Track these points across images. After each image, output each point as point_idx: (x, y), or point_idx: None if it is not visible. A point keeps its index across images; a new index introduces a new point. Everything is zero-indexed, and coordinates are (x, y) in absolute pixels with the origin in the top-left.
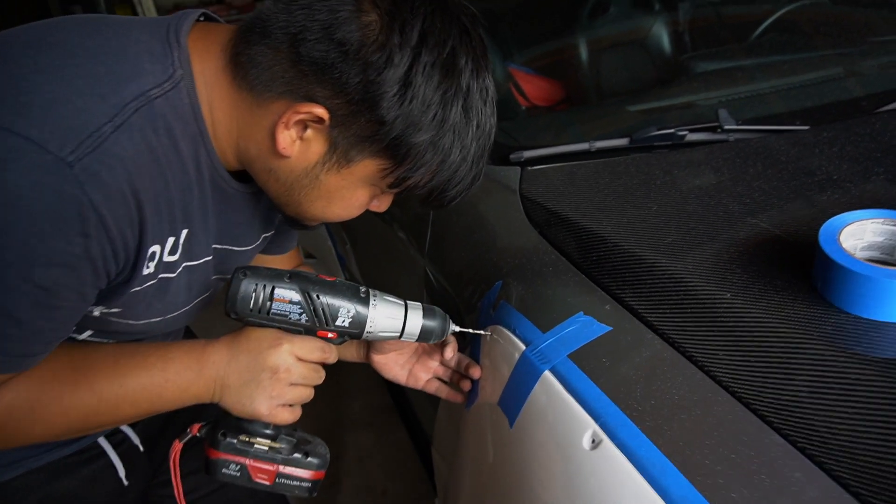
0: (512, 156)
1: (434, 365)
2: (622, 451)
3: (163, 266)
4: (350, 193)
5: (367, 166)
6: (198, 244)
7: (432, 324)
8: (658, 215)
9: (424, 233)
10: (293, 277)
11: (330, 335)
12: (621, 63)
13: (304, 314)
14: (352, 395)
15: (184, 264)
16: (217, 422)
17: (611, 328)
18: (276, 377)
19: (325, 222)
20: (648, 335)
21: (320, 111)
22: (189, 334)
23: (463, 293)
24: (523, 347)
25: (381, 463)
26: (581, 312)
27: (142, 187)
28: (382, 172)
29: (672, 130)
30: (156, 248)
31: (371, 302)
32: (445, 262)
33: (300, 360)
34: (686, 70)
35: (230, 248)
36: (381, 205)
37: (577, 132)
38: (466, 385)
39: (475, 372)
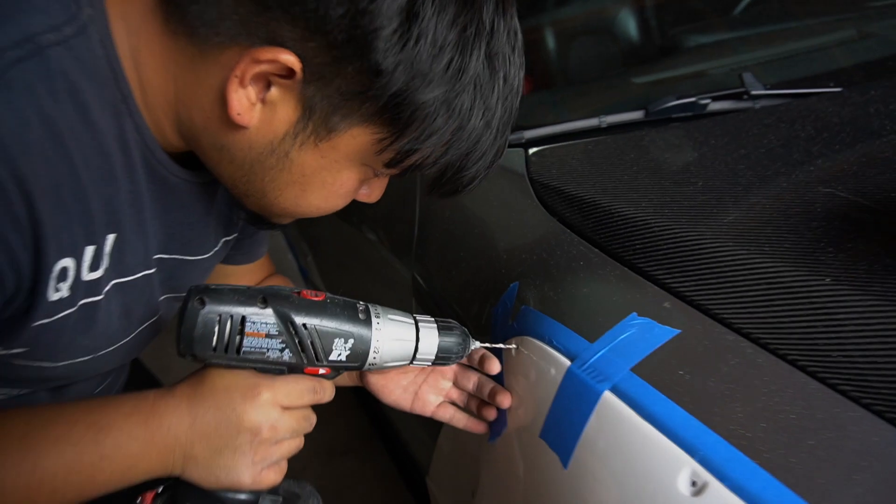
0: (510, 137)
1: (446, 386)
2: (741, 496)
3: (82, 287)
4: (332, 176)
5: (356, 138)
6: (132, 254)
7: (450, 341)
8: (707, 192)
9: (408, 232)
10: (269, 300)
11: (322, 371)
12: (620, 33)
13: (288, 349)
14: (325, 418)
15: (113, 282)
16: (177, 487)
17: (679, 331)
18: (258, 439)
19: (296, 218)
20: (730, 336)
21: (289, 59)
22: (137, 371)
23: (466, 301)
24: (567, 362)
25: (365, 494)
26: (634, 314)
27: (30, 174)
28: (377, 145)
29: (693, 99)
30: (67, 262)
31: (374, 323)
32: (440, 266)
33: (286, 409)
34: (684, 41)
35: (180, 257)
36: (373, 192)
37: (579, 108)
38: (491, 414)
39: (504, 401)
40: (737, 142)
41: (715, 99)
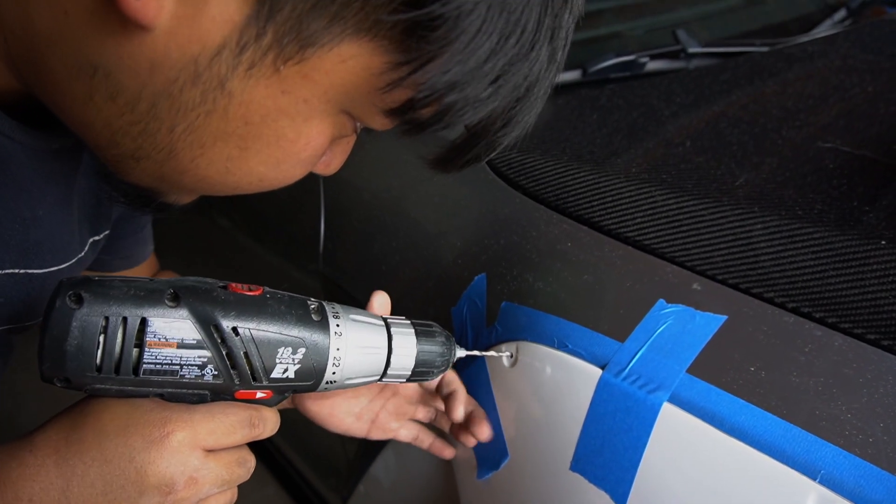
0: None
1: (411, 411)
2: None
3: None
4: (294, 128)
5: (346, 62)
6: None
7: (432, 350)
8: (701, 153)
9: (309, 225)
10: (182, 295)
11: (261, 394)
12: None
13: (210, 366)
14: None
15: None
16: None
17: (725, 317)
18: (170, 500)
19: (211, 194)
20: (788, 319)
21: None
22: None
23: (407, 302)
24: (597, 370)
25: None
26: (662, 301)
27: None
28: (383, 77)
29: (633, 57)
30: None
31: (332, 326)
32: (362, 264)
33: (211, 453)
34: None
35: (21, 271)
36: (334, 159)
37: None
38: (470, 441)
39: (482, 432)
40: (706, 100)
41: (653, 57)
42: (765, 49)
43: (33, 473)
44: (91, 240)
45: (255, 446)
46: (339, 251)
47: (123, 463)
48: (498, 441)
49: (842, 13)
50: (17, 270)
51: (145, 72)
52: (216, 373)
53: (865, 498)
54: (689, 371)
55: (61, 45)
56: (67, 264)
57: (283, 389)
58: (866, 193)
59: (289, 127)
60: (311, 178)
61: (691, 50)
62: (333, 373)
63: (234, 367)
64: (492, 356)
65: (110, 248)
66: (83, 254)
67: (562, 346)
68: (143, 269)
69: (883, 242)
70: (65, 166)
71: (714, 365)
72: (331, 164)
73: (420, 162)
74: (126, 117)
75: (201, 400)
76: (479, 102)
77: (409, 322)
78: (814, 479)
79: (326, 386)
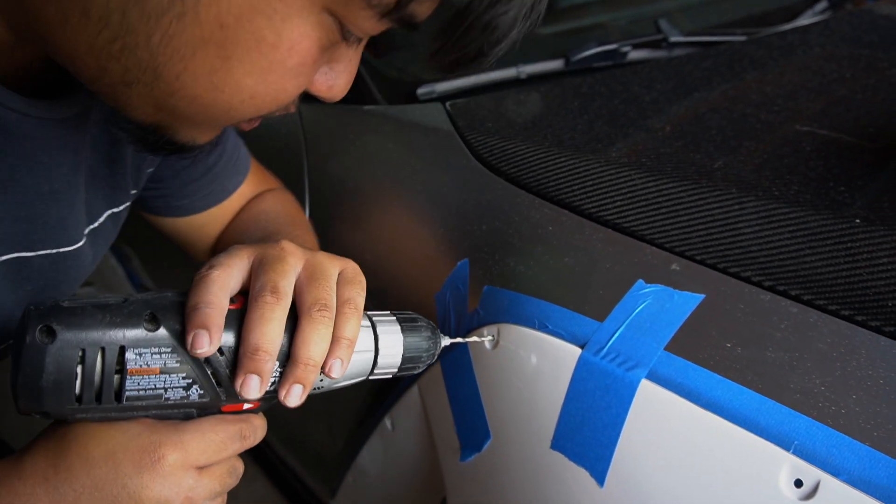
0: (420, 91)
1: None
2: (870, 492)
3: None
4: (274, 29)
5: None
6: None
7: (418, 342)
8: (680, 137)
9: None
10: (161, 316)
11: (248, 406)
12: None
13: (196, 385)
14: None
15: None
16: None
17: (703, 296)
18: None
19: (219, 126)
20: (765, 297)
21: None
22: None
23: (391, 290)
24: (576, 350)
25: None
26: (640, 281)
27: None
28: None
29: (615, 47)
30: None
31: None
32: (344, 251)
33: (203, 469)
34: None
35: (40, 252)
36: (338, 78)
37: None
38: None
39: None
40: (687, 87)
41: (635, 47)
42: (745, 38)
43: (24, 502)
44: (109, 212)
45: None
46: (324, 241)
47: (116, 489)
48: (480, 423)
49: (823, 4)
50: (49, 251)
51: None
52: (202, 392)
53: (837, 466)
54: (667, 349)
55: None
56: (80, 244)
57: (270, 399)
58: (842, 175)
59: (267, 28)
60: (294, 166)
61: (673, 39)
62: (321, 380)
63: (219, 384)
64: (475, 341)
65: (183, 193)
66: (96, 225)
67: (542, 328)
68: (238, 199)
69: (857, 221)
70: (73, 136)
71: (692, 342)
72: (334, 85)
73: (398, 156)
74: (103, 34)
75: (188, 417)
76: None
77: (393, 318)
78: (788, 449)
79: (314, 391)
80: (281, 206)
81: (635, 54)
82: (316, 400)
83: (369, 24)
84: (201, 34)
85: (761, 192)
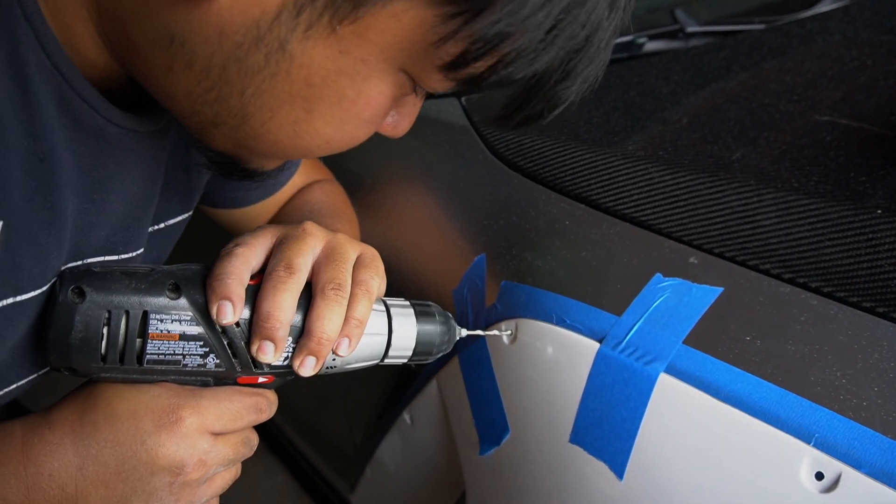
0: None
1: None
2: (893, 485)
3: None
4: (355, 87)
5: (400, 18)
6: (37, 256)
7: (432, 330)
8: (697, 129)
9: None
10: (183, 286)
11: (263, 379)
12: None
13: (213, 354)
14: None
15: (4, 302)
16: None
17: (721, 289)
18: (180, 480)
19: (289, 160)
20: (784, 289)
21: None
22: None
23: (408, 286)
24: (594, 344)
25: None
26: (658, 275)
27: None
28: (436, 31)
29: (631, 38)
30: None
31: None
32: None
33: (218, 436)
34: None
35: (133, 254)
36: (402, 120)
37: None
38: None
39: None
40: (704, 77)
41: (651, 38)
42: (763, 27)
43: (52, 450)
44: (183, 216)
45: (265, 436)
46: None
47: (135, 445)
48: (499, 417)
49: None
50: (129, 254)
51: (214, 38)
52: (218, 361)
53: (859, 459)
54: (685, 342)
55: (142, 18)
56: (145, 246)
57: (284, 374)
58: (863, 164)
59: (349, 87)
60: None
61: (690, 29)
62: (333, 359)
63: (235, 355)
64: (493, 335)
65: (238, 185)
66: (163, 226)
67: (560, 322)
68: (289, 189)
69: (879, 212)
70: (157, 147)
71: (711, 336)
72: (398, 126)
73: (413, 151)
74: (202, 84)
75: (205, 385)
76: (533, 53)
77: (408, 304)
78: (808, 442)
79: (326, 371)
80: (327, 196)
81: (651, 45)
82: (335, 394)
83: (437, 81)
84: (290, 90)
85: (780, 184)
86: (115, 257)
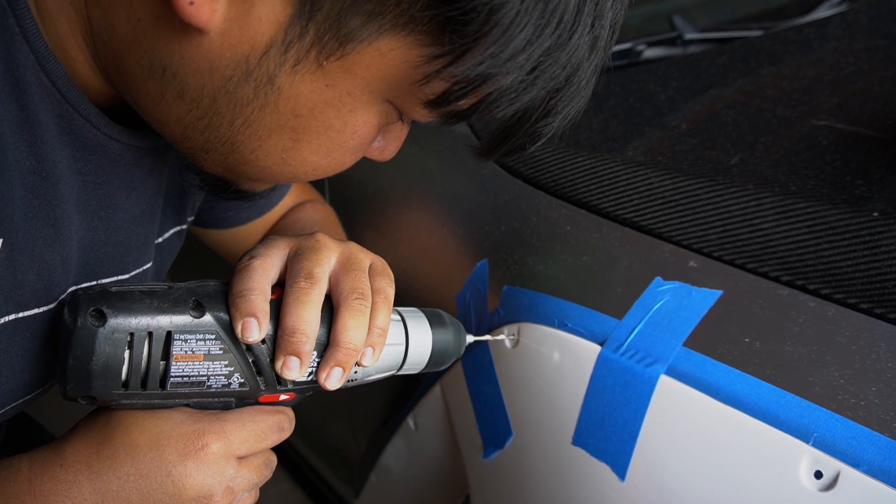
0: None
1: None
2: (891, 483)
3: None
4: (341, 118)
5: (385, 55)
6: (40, 272)
7: (446, 338)
8: (696, 135)
9: None
10: (206, 303)
11: (284, 396)
12: None
13: (237, 374)
14: None
15: (6, 318)
16: None
17: (721, 292)
18: None
19: (278, 183)
20: (783, 291)
21: None
22: (20, 421)
23: (411, 291)
24: (595, 347)
25: None
26: (659, 278)
27: None
28: (422, 69)
29: (630, 45)
30: None
31: None
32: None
33: (242, 459)
34: None
35: (141, 269)
36: (388, 145)
37: None
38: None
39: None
40: (701, 84)
41: (649, 45)
42: (761, 33)
43: (66, 489)
44: (176, 229)
45: None
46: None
47: (160, 477)
48: (502, 421)
49: None
50: (137, 270)
51: (205, 70)
52: (242, 380)
53: (857, 458)
54: (686, 344)
55: (136, 49)
56: (154, 260)
57: (305, 390)
58: (860, 168)
59: (335, 118)
60: None
61: (688, 36)
62: (355, 371)
63: (259, 373)
64: (496, 340)
65: (229, 206)
66: (161, 240)
67: (562, 326)
68: (280, 210)
69: (875, 214)
70: (159, 162)
71: (710, 338)
72: (385, 151)
73: (413, 158)
74: (193, 113)
75: (226, 406)
76: (514, 93)
77: (421, 313)
78: (807, 441)
79: (347, 384)
80: (319, 214)
81: (650, 52)
82: (339, 401)
83: (421, 114)
84: (278, 121)
85: (778, 188)
86: (125, 276)
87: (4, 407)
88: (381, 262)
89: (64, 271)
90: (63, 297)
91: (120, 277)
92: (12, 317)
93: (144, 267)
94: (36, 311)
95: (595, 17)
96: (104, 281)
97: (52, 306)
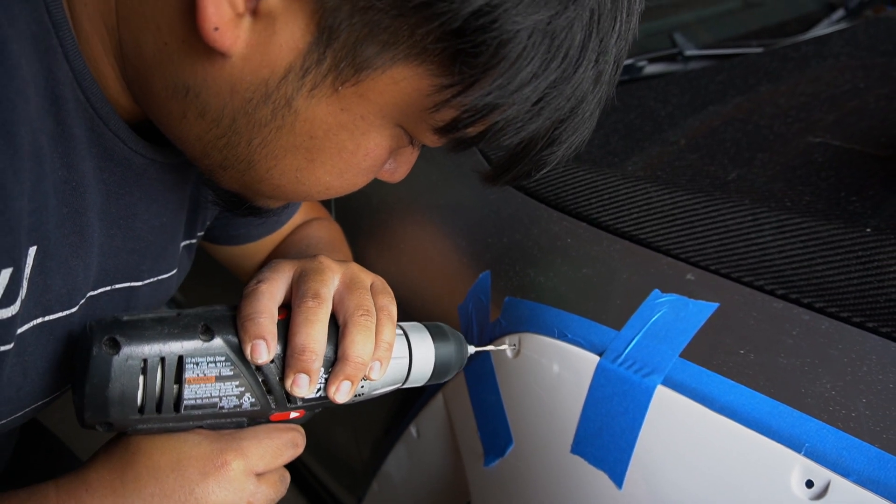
0: None
1: None
2: (879, 492)
3: None
4: (354, 141)
5: (399, 83)
6: (66, 277)
7: (448, 351)
8: (695, 150)
9: None
10: (215, 327)
11: (294, 414)
12: None
13: (248, 393)
14: None
15: (34, 322)
16: None
17: (717, 304)
18: None
19: (292, 201)
20: (777, 304)
21: None
22: (32, 431)
23: (415, 301)
24: (594, 357)
25: None
26: (657, 291)
27: None
28: (432, 98)
29: (631, 61)
30: None
31: None
32: (369, 264)
33: (261, 476)
34: None
35: (154, 279)
36: (399, 167)
37: None
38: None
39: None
40: (700, 100)
41: (650, 61)
42: (761, 50)
43: None
44: (184, 243)
45: None
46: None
47: (184, 496)
48: (503, 429)
49: (840, 13)
50: (153, 279)
51: (226, 92)
52: (253, 400)
53: (847, 468)
54: (682, 356)
55: (162, 69)
56: (170, 273)
57: (314, 407)
58: (854, 184)
59: (349, 140)
60: None
61: (688, 52)
62: (362, 385)
63: (269, 392)
64: (497, 350)
65: (240, 223)
66: (179, 259)
67: (562, 336)
68: (289, 227)
69: (868, 230)
70: (181, 178)
71: (706, 349)
72: (395, 173)
73: (425, 167)
74: (213, 132)
75: (239, 426)
76: (520, 122)
77: (423, 327)
78: (799, 451)
79: (354, 399)
80: (325, 232)
81: (651, 68)
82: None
83: (430, 139)
84: (293, 142)
85: (774, 203)
86: (139, 283)
87: (26, 409)
88: (381, 282)
89: (85, 276)
90: (78, 296)
91: (133, 284)
92: (39, 320)
93: (159, 277)
94: (59, 314)
95: (599, 53)
96: (118, 286)
97: (73, 310)
